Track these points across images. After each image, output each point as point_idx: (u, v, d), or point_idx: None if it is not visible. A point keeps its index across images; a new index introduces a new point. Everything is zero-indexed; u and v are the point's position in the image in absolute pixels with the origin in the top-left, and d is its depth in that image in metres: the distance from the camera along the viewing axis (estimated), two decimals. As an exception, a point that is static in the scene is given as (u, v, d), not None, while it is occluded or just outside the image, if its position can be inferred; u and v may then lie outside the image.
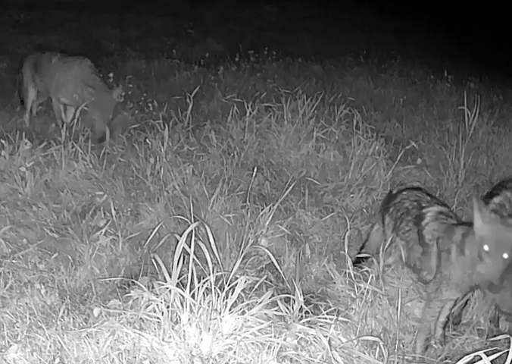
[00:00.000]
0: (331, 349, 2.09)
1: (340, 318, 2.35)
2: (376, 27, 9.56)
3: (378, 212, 3.03)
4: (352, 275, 2.59)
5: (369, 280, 2.50)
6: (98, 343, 2.12)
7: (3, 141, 3.57)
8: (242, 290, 2.20)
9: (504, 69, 7.84)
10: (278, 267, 2.34)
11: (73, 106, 4.19)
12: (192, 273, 2.14)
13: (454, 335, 2.50)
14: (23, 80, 4.44)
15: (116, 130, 4.23)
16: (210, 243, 2.24)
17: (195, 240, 2.15)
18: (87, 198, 3.33)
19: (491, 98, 6.06)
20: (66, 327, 2.23)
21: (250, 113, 4.28)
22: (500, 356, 1.82)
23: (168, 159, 3.61)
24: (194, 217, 2.71)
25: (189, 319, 2.13)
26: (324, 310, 2.32)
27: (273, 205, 3.22)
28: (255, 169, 3.70)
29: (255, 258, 2.81)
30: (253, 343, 2.14)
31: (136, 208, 3.24)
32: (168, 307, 2.14)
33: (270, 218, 3.10)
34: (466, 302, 2.57)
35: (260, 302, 2.20)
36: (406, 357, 2.31)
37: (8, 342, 2.18)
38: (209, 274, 2.14)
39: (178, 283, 2.16)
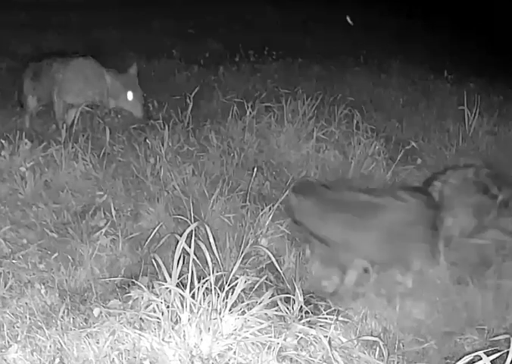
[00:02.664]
0: (331, 349, 2.09)
1: (340, 318, 2.36)
2: (376, 27, 9.55)
3: None
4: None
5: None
6: (98, 343, 2.13)
7: (3, 141, 3.57)
8: (242, 290, 2.20)
9: (504, 69, 7.84)
10: (278, 267, 2.34)
11: (80, 104, 4.14)
12: (192, 273, 2.14)
13: (454, 335, 2.50)
14: (23, 88, 4.41)
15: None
16: (210, 243, 2.24)
17: (195, 240, 2.16)
18: (87, 198, 3.33)
19: (491, 98, 6.05)
20: (66, 327, 2.23)
21: (250, 113, 4.28)
22: (500, 356, 1.82)
23: (168, 159, 3.62)
24: (194, 217, 2.71)
25: (189, 319, 2.13)
26: (324, 310, 2.32)
27: (273, 205, 3.23)
28: (255, 169, 3.71)
29: (255, 258, 2.81)
30: (253, 343, 2.14)
31: (136, 208, 3.24)
32: (168, 307, 2.14)
33: (270, 218, 3.10)
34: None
35: (260, 302, 2.20)
36: (406, 357, 2.31)
37: (8, 342, 2.18)
38: (209, 274, 2.14)
39: (178, 283, 2.16)
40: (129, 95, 3.87)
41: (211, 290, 2.14)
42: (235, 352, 2.11)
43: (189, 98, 4.14)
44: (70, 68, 4.09)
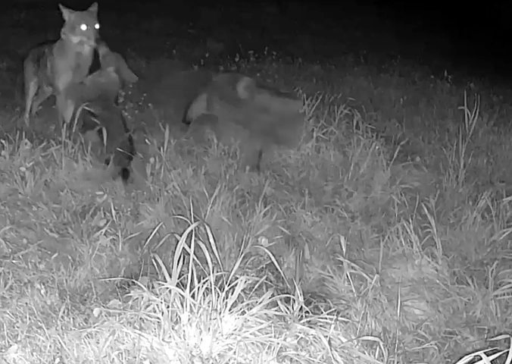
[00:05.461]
0: (331, 349, 2.09)
1: (340, 318, 2.36)
2: (376, 27, 9.56)
3: None
4: (350, 276, 2.60)
5: (368, 280, 2.51)
6: (98, 343, 2.13)
7: (3, 141, 3.56)
8: (242, 290, 2.20)
9: (504, 69, 7.84)
10: (278, 267, 2.34)
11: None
12: (192, 273, 2.14)
13: (454, 335, 2.50)
14: (24, 76, 4.42)
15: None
16: (210, 243, 2.24)
17: (195, 240, 2.16)
18: (87, 198, 3.32)
19: (491, 98, 6.06)
20: (66, 327, 2.23)
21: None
22: (500, 356, 1.83)
23: (168, 159, 3.61)
24: (194, 217, 2.71)
25: (189, 319, 2.13)
26: (324, 310, 2.32)
27: (273, 205, 3.23)
28: (255, 169, 3.71)
29: (255, 258, 2.81)
30: (253, 343, 2.14)
31: (136, 208, 3.24)
32: (168, 307, 2.14)
33: (269, 218, 3.10)
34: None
35: (260, 302, 2.20)
36: (406, 357, 2.31)
37: (8, 342, 2.18)
38: (209, 274, 2.14)
39: (178, 283, 2.16)
40: (83, 26, 4.02)
41: (211, 290, 2.14)
42: (235, 352, 2.11)
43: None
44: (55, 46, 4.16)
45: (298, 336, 2.18)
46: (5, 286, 2.47)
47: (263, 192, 3.36)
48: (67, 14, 4.02)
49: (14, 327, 2.27)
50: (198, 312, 2.12)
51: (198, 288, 2.14)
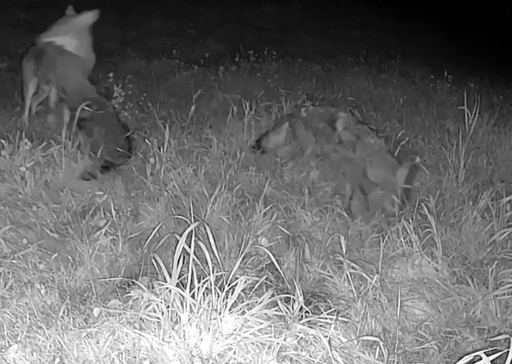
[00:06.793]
0: (331, 349, 2.09)
1: (340, 318, 2.36)
2: (376, 27, 9.56)
3: None
4: (350, 276, 2.60)
5: (369, 280, 2.51)
6: (98, 343, 2.13)
7: (3, 141, 3.56)
8: (242, 290, 2.20)
9: (504, 69, 7.84)
10: (278, 267, 2.34)
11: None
12: (192, 273, 2.14)
13: (454, 335, 2.50)
14: (23, 74, 4.42)
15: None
16: (210, 243, 2.24)
17: (195, 240, 2.16)
18: (87, 198, 3.33)
19: (491, 98, 6.06)
20: (66, 327, 2.23)
21: (250, 113, 4.29)
22: (500, 356, 1.83)
23: (168, 159, 3.61)
24: (194, 217, 2.71)
25: (189, 319, 2.13)
26: (324, 310, 2.32)
27: (273, 205, 3.23)
28: (255, 169, 3.71)
29: (255, 258, 2.81)
30: (253, 343, 2.14)
31: (136, 208, 3.24)
32: (168, 307, 2.14)
33: (269, 218, 3.10)
34: None
35: (260, 302, 2.20)
36: (406, 357, 2.31)
37: (8, 342, 2.18)
38: (209, 274, 2.14)
39: (178, 283, 2.16)
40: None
41: (211, 290, 2.14)
42: (235, 352, 2.11)
43: (192, 99, 4.15)
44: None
45: (298, 336, 2.18)
46: (5, 286, 2.48)
47: (263, 192, 3.36)
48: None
49: (14, 327, 2.27)
50: (198, 312, 2.12)
51: (198, 288, 2.14)
